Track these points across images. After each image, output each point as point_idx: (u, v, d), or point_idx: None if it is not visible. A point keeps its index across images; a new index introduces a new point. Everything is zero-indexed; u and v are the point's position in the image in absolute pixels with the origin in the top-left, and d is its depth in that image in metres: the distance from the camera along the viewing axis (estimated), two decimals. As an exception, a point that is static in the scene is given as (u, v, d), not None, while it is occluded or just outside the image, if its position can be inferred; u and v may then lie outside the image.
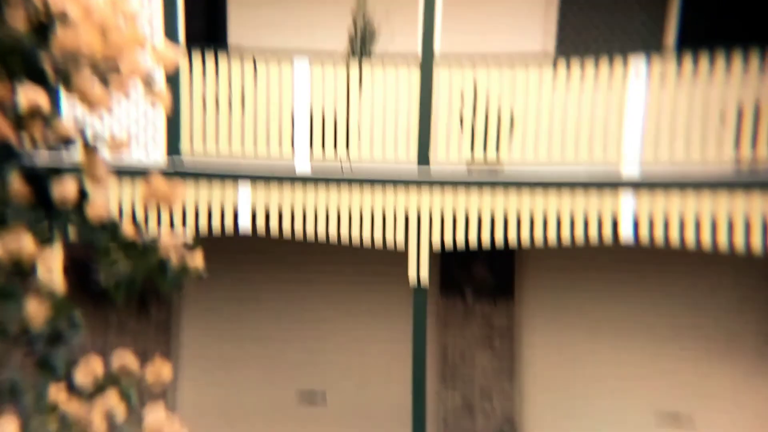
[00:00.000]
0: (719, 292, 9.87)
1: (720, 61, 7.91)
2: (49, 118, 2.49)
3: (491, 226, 8.22)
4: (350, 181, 8.27)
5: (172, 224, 8.24)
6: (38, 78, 2.43)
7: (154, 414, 2.77)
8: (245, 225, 8.30)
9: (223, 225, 8.31)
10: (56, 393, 2.68)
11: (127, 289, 2.68)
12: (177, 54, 2.75)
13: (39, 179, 2.55)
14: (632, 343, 10.01)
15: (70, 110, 5.61)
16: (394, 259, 8.66)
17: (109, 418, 2.73)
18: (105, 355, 2.88)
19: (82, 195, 2.61)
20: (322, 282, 10.32)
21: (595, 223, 8.11)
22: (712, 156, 8.02)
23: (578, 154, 8.20)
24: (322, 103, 8.32)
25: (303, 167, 8.36)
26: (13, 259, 2.43)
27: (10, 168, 2.50)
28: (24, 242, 2.42)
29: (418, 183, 8.26)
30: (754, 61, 7.84)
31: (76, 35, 2.39)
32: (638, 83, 8.06)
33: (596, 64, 8.13)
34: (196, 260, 2.75)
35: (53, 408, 2.66)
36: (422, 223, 8.28)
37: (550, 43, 10.35)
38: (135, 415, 2.82)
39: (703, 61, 7.95)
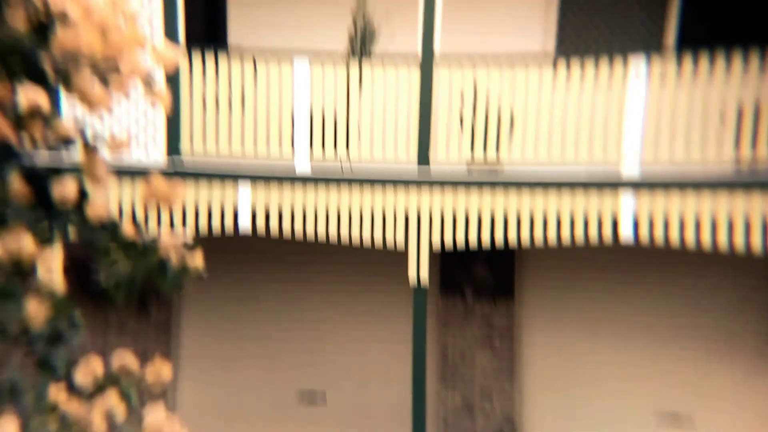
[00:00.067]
0: (719, 292, 9.87)
1: (720, 61, 7.91)
2: (49, 118, 2.49)
3: (491, 226, 8.22)
4: (350, 181, 8.27)
5: (172, 224, 8.24)
6: (38, 78, 2.43)
7: (154, 414, 2.77)
8: (245, 225, 8.30)
9: (223, 225, 8.31)
10: (56, 393, 2.68)
11: (127, 289, 2.68)
12: (177, 54, 2.75)
13: (39, 179, 2.55)
14: (632, 343, 10.01)
15: (70, 110, 5.60)
16: (394, 259, 8.66)
17: (109, 418, 2.73)
18: (105, 355, 2.88)
19: (82, 195, 2.61)
20: (322, 282, 10.32)
21: (595, 223, 8.11)
22: (712, 156, 8.02)
23: (578, 154, 8.20)
24: (322, 103, 8.32)
25: (303, 167, 8.36)
26: (13, 259, 2.43)
27: (10, 168, 2.50)
28: (24, 242, 2.42)
29: (418, 183, 8.25)
30: (754, 61, 7.84)
31: (76, 35, 2.39)
32: (638, 83, 8.06)
33: (596, 64, 8.12)
34: (196, 260, 2.75)
35: (53, 408, 2.66)
36: (422, 223, 8.28)
37: (550, 43, 10.35)
38: (135, 414, 2.82)
39: (703, 61, 7.95)
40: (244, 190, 8.26)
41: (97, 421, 2.67)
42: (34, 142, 2.56)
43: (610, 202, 8.08)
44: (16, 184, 2.50)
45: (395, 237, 8.27)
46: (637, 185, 8.05)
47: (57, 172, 2.58)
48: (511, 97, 8.21)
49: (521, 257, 10.15)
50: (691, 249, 8.19)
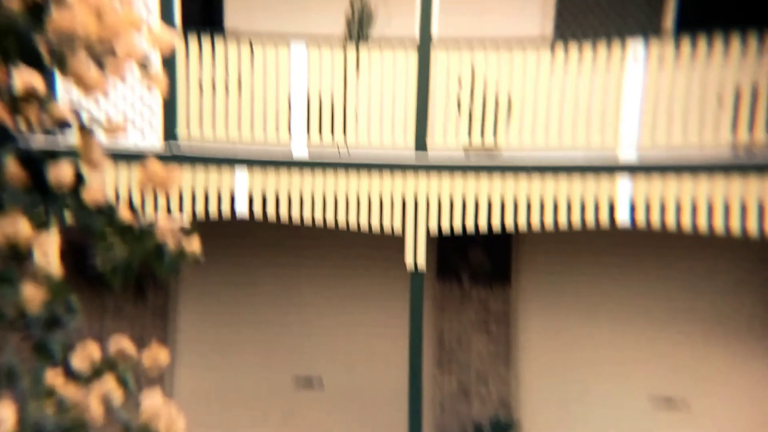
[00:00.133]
0: (716, 275, 9.88)
1: (718, 44, 7.89)
2: (44, 100, 2.47)
3: (488, 210, 8.22)
4: (347, 166, 8.25)
5: (169, 209, 8.22)
6: (33, 60, 2.41)
7: (151, 398, 2.77)
8: (242, 210, 8.29)
9: (220, 210, 8.30)
10: (53, 377, 2.68)
11: (124, 274, 2.67)
12: (173, 37, 2.73)
13: (35, 163, 2.53)
14: (629, 327, 10.03)
15: (66, 94, 5.58)
16: (392, 244, 8.66)
17: (106, 402, 2.73)
18: (102, 339, 2.87)
19: (79, 179, 2.60)
20: (319, 267, 10.32)
21: (591, 207, 8.11)
22: (709, 140, 8.01)
23: (575, 139, 8.20)
24: (319, 88, 8.30)
25: (300, 152, 8.34)
26: (10, 243, 2.42)
27: (5, 151, 2.48)
28: (20, 226, 2.41)
29: (416, 168, 8.24)
30: (752, 43, 7.82)
31: (71, 17, 2.37)
32: (636, 66, 8.04)
33: (594, 48, 8.10)
34: (193, 245, 2.74)
35: (50, 392, 2.65)
36: (419, 208, 8.27)
37: (548, 27, 10.31)
38: (132, 399, 2.81)
39: (701, 44, 7.94)
40: (241, 174, 8.24)
41: (94, 406, 2.67)
42: (29, 125, 2.54)
43: (607, 186, 8.07)
44: (12, 167, 2.48)
45: (392, 222, 8.27)
46: (633, 169, 8.04)
47: (53, 155, 2.57)
48: (509, 81, 8.19)
49: (518, 242, 10.15)
50: (688, 233, 8.19)
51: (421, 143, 8.23)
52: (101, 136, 2.72)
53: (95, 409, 2.67)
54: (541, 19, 10.30)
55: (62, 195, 2.58)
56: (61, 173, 2.52)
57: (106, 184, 7.97)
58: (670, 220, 7.99)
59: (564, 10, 10.35)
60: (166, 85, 2.77)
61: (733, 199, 7.88)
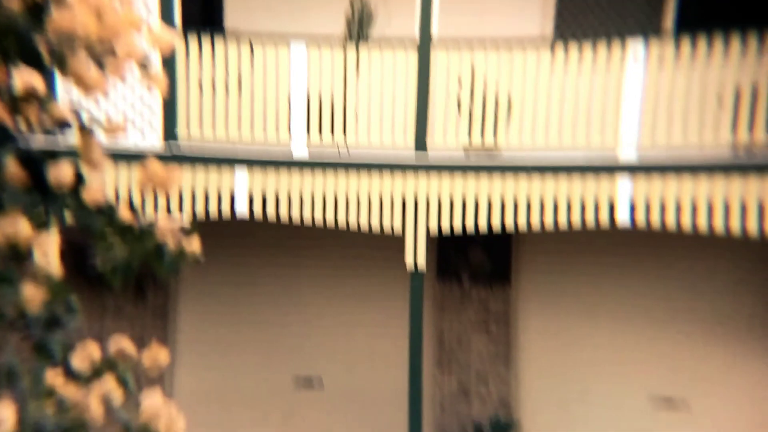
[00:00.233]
0: (716, 275, 9.88)
1: (718, 44, 7.89)
2: (44, 100, 2.47)
3: (488, 211, 8.21)
4: (347, 166, 8.25)
5: (168, 209, 8.22)
6: (33, 60, 2.41)
7: (151, 398, 2.77)
8: (242, 210, 8.28)
9: (220, 210, 8.30)
10: (53, 377, 2.67)
11: (124, 274, 2.67)
12: (173, 37, 2.73)
13: (35, 163, 2.53)
14: (629, 327, 10.02)
15: (66, 94, 5.57)
16: (392, 244, 8.66)
17: (106, 402, 2.73)
18: (102, 340, 2.87)
19: (79, 179, 2.60)
20: (319, 266, 10.31)
21: (591, 207, 8.10)
22: (709, 139, 8.01)
23: (575, 139, 8.19)
24: (319, 88, 8.29)
25: (300, 152, 8.34)
26: (10, 243, 2.42)
27: (5, 151, 2.48)
28: (20, 226, 2.41)
29: (416, 168, 8.24)
30: (752, 43, 7.82)
31: (71, 17, 2.37)
32: (636, 66, 8.03)
33: (594, 48, 8.10)
34: (193, 245, 2.74)
35: (50, 392, 2.65)
36: (419, 208, 8.27)
37: (548, 27, 10.31)
38: (132, 399, 2.81)
39: (701, 44, 7.93)
40: (241, 174, 8.24)
41: (94, 406, 2.67)
42: (29, 125, 2.54)
43: (606, 186, 8.07)
44: (12, 167, 2.48)
45: (393, 222, 8.26)
46: (633, 169, 8.04)
47: (53, 155, 2.56)
48: (509, 81, 8.19)
49: (518, 242, 10.15)
50: (688, 233, 8.19)
51: (421, 143, 8.22)
52: (101, 136, 2.72)
53: (95, 409, 2.67)
54: (541, 19, 10.30)
55: (62, 195, 2.57)
56: (61, 173, 2.52)
57: (106, 184, 7.97)
58: (670, 220, 7.99)
59: (564, 10, 10.34)
60: (166, 85, 2.77)
61: (733, 199, 7.87)
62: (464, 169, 8.21)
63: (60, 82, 2.61)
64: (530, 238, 10.01)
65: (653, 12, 10.26)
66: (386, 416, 9.84)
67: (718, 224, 7.89)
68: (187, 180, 8.22)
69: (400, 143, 8.31)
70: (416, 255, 8.27)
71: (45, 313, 2.60)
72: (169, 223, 2.70)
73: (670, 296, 9.95)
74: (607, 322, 10.08)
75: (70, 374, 2.71)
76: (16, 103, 2.45)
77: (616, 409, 10.00)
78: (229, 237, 9.83)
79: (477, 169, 8.20)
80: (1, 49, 2.38)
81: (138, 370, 2.86)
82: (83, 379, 2.72)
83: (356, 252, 10.04)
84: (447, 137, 8.29)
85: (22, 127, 2.55)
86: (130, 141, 8.22)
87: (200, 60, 8.23)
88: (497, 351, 10.12)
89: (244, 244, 10.16)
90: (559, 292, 10.19)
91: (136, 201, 8.09)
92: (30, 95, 2.41)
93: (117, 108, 8.30)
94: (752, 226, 7.85)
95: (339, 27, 9.38)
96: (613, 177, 8.05)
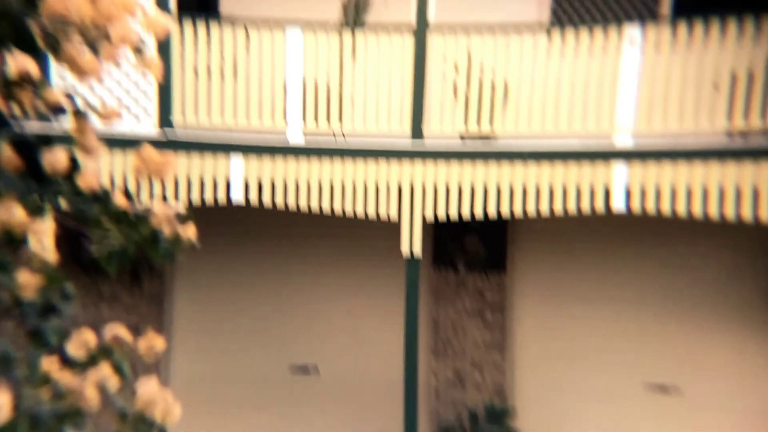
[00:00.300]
0: (712, 262, 9.88)
1: (714, 29, 7.87)
2: (38, 85, 2.46)
3: (484, 197, 8.21)
4: (343, 153, 8.23)
5: (164, 196, 8.20)
6: (27, 45, 2.39)
7: (147, 386, 2.76)
8: (238, 197, 8.27)
9: (215, 197, 8.28)
10: (49, 364, 2.67)
11: (119, 261, 2.66)
12: (168, 22, 2.71)
13: (29, 148, 2.52)
14: (624, 315, 10.03)
15: (60, 79, 5.55)
16: (387, 231, 8.65)
17: (102, 389, 2.72)
18: (97, 326, 2.86)
19: (74, 165, 2.58)
20: (315, 253, 10.31)
21: (587, 194, 8.10)
22: (705, 125, 8.00)
23: (571, 126, 8.18)
24: (315, 73, 8.26)
25: (296, 138, 8.32)
26: (4, 229, 2.41)
27: (0, 137, 2.47)
28: (15, 212, 2.39)
29: (412, 154, 8.22)
30: (749, 29, 7.80)
31: (65, 1, 2.35)
32: (633, 51, 8.01)
33: (590, 33, 8.08)
34: (189, 232, 2.73)
35: (46, 379, 2.64)
36: (415, 195, 8.26)
37: (545, 12, 10.28)
38: (128, 386, 2.81)
39: (698, 29, 7.91)
40: (237, 161, 8.22)
41: (90, 393, 2.66)
42: (23, 110, 2.52)
43: (602, 172, 8.06)
44: (6, 153, 2.46)
45: (388, 209, 8.25)
46: (629, 155, 8.03)
47: (47, 141, 2.55)
48: (505, 66, 8.16)
49: (514, 229, 10.15)
50: (684, 219, 8.19)
51: (417, 130, 8.21)
52: (96, 122, 2.70)
53: (91, 396, 2.66)
54: (538, 4, 10.27)
55: (57, 181, 2.56)
56: (55, 159, 2.50)
57: (101, 170, 7.95)
58: (666, 207, 7.99)
59: (560, -4, 10.31)
60: (161, 71, 2.75)
61: (729, 185, 7.87)
62: (460, 155, 8.19)
63: (54, 66, 2.59)
64: (526, 226, 10.01)
65: (650, -2, 10.23)
66: (381, 403, 9.86)
67: (713, 210, 7.89)
68: (183, 166, 8.20)
69: (396, 130, 8.29)
70: (412, 242, 8.27)
71: (40, 299, 2.59)
72: (164, 209, 2.69)
73: (667, 283, 9.96)
74: (602, 310, 10.09)
75: (66, 361, 2.70)
76: (10, 88, 2.44)
77: (610, 396, 10.02)
78: (225, 224, 9.82)
79: (473, 155, 8.19)
80: (-5, 34, 2.36)
81: (134, 357, 2.85)
82: (79, 366, 2.72)
83: (352, 239, 10.04)
84: (443, 124, 8.28)
85: (17, 112, 2.54)
86: (125, 127, 8.19)
87: (195, 45, 8.19)
88: (492, 338, 10.14)
89: (240, 231, 10.15)
90: (555, 280, 10.20)
91: (132, 187, 8.07)
92: (24, 80, 2.40)
93: (112, 93, 8.26)
94: (747, 212, 7.85)
95: (335, 13, 9.35)
96: (609, 163, 8.04)
